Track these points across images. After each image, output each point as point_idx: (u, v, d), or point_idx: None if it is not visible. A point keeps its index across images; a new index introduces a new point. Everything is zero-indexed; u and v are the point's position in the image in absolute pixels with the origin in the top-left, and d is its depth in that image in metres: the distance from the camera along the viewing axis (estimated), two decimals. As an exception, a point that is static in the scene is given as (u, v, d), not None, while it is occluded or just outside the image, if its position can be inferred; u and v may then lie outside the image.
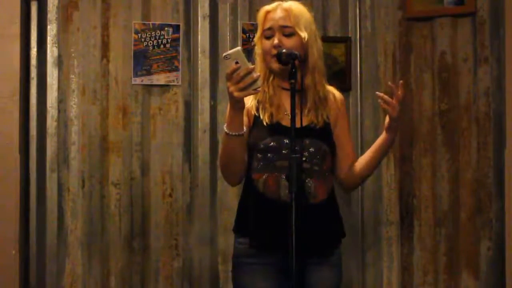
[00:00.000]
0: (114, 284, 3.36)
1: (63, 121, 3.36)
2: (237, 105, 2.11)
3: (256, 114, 2.31)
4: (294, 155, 2.05)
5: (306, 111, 2.29)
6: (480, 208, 3.41)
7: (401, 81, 2.27)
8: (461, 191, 3.44)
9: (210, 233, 3.41)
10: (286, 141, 2.24)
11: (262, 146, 2.26)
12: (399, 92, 2.23)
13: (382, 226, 3.51)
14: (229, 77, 2.05)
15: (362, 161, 2.41)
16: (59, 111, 3.36)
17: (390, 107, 2.22)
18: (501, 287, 3.30)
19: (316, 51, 2.32)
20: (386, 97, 2.22)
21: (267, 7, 2.34)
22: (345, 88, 3.48)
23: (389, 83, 2.30)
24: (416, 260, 3.48)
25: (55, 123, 3.35)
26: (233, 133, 2.16)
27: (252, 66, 2.07)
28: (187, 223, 3.42)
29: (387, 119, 2.28)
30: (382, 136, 2.34)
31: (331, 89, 2.43)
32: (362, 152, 3.47)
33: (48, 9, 3.36)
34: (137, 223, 3.39)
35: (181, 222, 3.41)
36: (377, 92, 2.25)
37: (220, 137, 3.41)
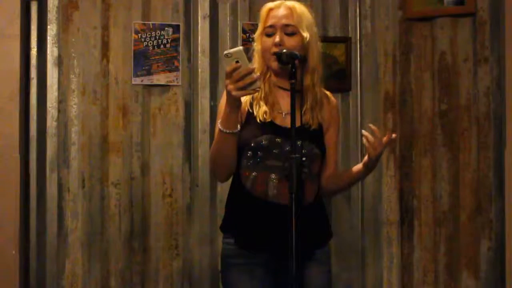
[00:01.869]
0: (114, 284, 3.36)
1: (63, 121, 3.36)
2: (234, 103, 2.11)
3: (250, 110, 2.30)
4: (294, 156, 2.04)
5: (302, 111, 2.29)
6: (480, 208, 3.41)
7: (394, 134, 2.24)
8: (461, 191, 3.44)
9: (210, 233, 3.41)
10: (278, 140, 2.24)
11: (253, 144, 2.25)
12: (385, 139, 2.19)
13: (382, 226, 3.51)
14: (229, 75, 2.05)
15: (338, 177, 2.41)
16: (59, 111, 3.35)
17: (371, 147, 2.20)
18: (501, 287, 3.30)
19: (316, 52, 2.32)
20: (370, 137, 2.17)
21: (270, 4, 2.33)
22: (345, 88, 3.49)
23: (371, 125, 2.22)
24: (416, 260, 3.48)
25: (55, 123, 3.35)
26: (227, 131, 2.16)
27: (253, 67, 2.07)
28: (187, 223, 3.42)
29: (366, 157, 2.24)
30: (358, 168, 2.31)
31: (326, 92, 2.43)
32: (362, 153, 3.50)
33: (48, 9, 3.36)
34: (137, 223, 3.39)
35: (181, 222, 3.41)
36: (363, 131, 2.20)
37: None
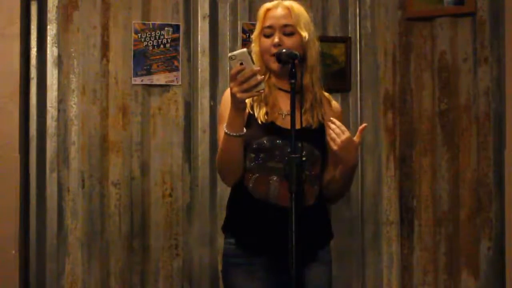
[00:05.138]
0: (114, 284, 3.36)
1: (63, 121, 3.36)
2: (239, 105, 2.11)
3: (251, 112, 2.30)
4: (294, 155, 2.04)
5: (302, 111, 2.28)
6: (480, 208, 3.41)
7: (364, 125, 2.24)
8: (461, 191, 3.44)
9: (210, 233, 3.41)
10: (279, 142, 2.24)
11: (255, 145, 2.25)
12: (355, 138, 2.21)
13: (382, 226, 3.51)
14: (233, 77, 2.05)
15: (336, 178, 2.37)
16: (59, 111, 3.36)
17: (331, 141, 2.18)
18: (501, 287, 3.30)
19: (314, 52, 2.32)
20: (332, 133, 2.17)
21: (268, 5, 2.33)
22: (345, 88, 3.49)
23: (332, 119, 2.22)
24: (416, 260, 3.48)
25: (55, 123, 3.35)
26: (233, 134, 2.16)
27: (257, 68, 2.06)
28: (187, 223, 3.42)
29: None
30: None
31: (328, 95, 2.42)
32: (362, 153, 3.50)
33: (48, 9, 3.36)
34: (137, 223, 3.39)
35: (181, 222, 3.41)
36: (331, 120, 2.20)
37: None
